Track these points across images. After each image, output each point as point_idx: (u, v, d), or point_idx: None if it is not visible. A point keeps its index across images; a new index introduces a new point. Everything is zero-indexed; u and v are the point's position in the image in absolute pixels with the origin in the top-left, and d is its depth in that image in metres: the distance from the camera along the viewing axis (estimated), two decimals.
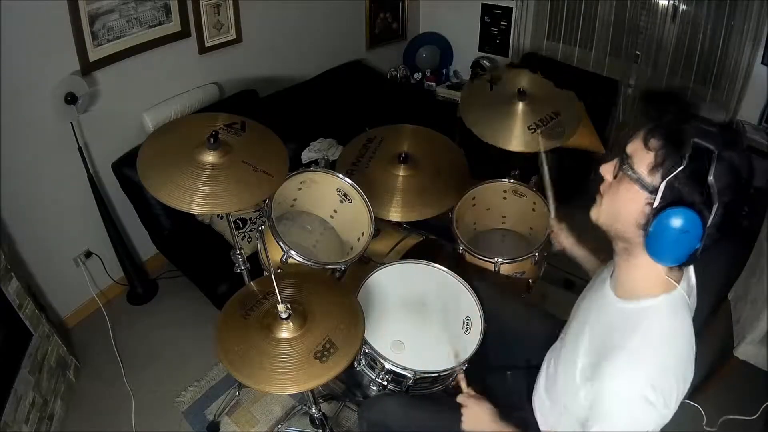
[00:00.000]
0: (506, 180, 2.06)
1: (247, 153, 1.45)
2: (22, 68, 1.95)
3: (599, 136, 2.89)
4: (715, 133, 0.85)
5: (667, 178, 0.85)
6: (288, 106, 2.83)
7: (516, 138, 1.92)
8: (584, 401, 0.99)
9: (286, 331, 1.24)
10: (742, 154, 0.85)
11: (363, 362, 1.49)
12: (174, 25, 2.39)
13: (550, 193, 1.65)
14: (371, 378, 1.47)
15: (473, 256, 1.88)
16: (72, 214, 2.35)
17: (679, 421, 0.98)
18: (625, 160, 0.92)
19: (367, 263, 1.85)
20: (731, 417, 1.89)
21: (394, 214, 1.82)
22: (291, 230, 1.84)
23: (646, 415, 0.89)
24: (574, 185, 2.60)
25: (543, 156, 1.72)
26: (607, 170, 0.98)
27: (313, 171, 1.82)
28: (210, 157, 1.40)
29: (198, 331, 2.37)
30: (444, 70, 3.83)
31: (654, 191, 0.87)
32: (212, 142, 1.39)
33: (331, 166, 1.90)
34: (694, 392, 2.01)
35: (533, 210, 2.04)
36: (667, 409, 0.90)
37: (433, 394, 1.48)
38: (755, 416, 1.88)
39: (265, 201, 1.62)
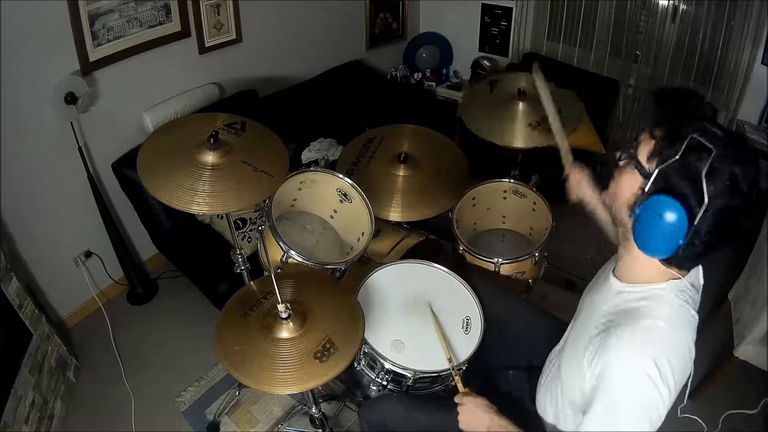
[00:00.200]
0: (506, 180, 2.06)
1: (247, 153, 1.45)
2: (22, 68, 1.95)
3: (599, 136, 2.89)
4: (718, 136, 0.86)
5: (661, 167, 0.88)
6: (288, 106, 2.83)
7: (518, 135, 1.93)
8: (589, 385, 0.99)
9: (286, 331, 1.24)
10: (747, 165, 0.85)
11: (363, 362, 1.50)
12: (174, 25, 2.39)
13: (551, 108, 1.59)
14: (371, 378, 1.47)
15: (473, 256, 1.88)
16: (72, 214, 2.35)
17: (682, 426, 0.99)
18: (632, 146, 0.97)
19: (367, 263, 1.85)
20: (733, 411, 1.89)
21: (394, 214, 1.82)
22: (291, 230, 1.84)
23: (647, 393, 0.90)
24: (565, 179, 2.60)
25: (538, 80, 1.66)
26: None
27: (313, 171, 1.82)
28: (210, 157, 1.39)
29: (198, 331, 2.37)
30: (444, 70, 3.83)
31: (648, 177, 0.90)
32: (212, 142, 1.39)
33: (331, 166, 1.90)
34: (694, 392, 2.01)
35: (533, 210, 2.04)
36: (667, 389, 0.90)
37: (432, 394, 1.48)
38: (755, 411, 1.88)
39: (265, 201, 1.62)
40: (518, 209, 2.10)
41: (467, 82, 3.69)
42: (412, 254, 1.89)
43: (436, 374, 1.40)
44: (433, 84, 3.71)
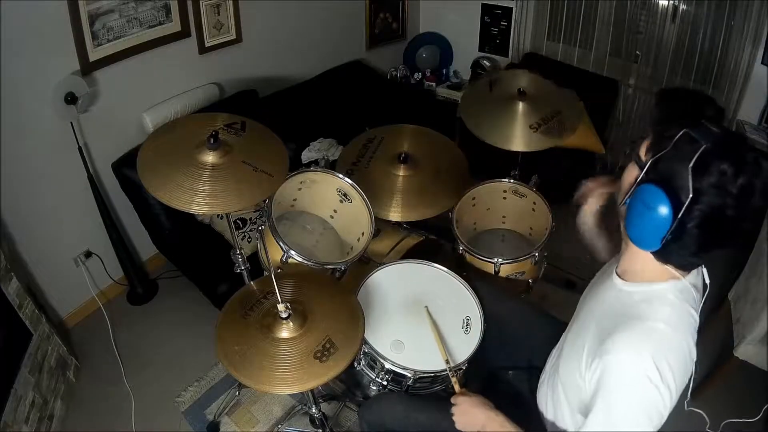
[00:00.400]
0: (506, 180, 2.06)
1: (247, 153, 1.45)
2: (22, 68, 1.95)
3: (599, 136, 2.89)
4: (713, 132, 0.86)
5: (653, 158, 0.90)
6: (288, 106, 2.83)
7: (517, 138, 1.93)
8: (589, 385, 0.99)
9: (286, 331, 1.24)
10: (740, 165, 0.84)
11: (363, 362, 1.50)
12: (174, 25, 2.39)
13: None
14: (371, 378, 1.47)
15: (473, 256, 1.88)
16: (72, 214, 2.35)
17: (682, 425, 0.99)
18: (636, 145, 0.99)
19: (367, 263, 1.85)
20: (734, 420, 1.89)
21: (394, 214, 1.82)
22: (291, 230, 1.84)
23: (647, 394, 0.90)
24: (575, 185, 2.60)
25: None
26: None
27: (313, 171, 1.82)
28: (210, 157, 1.39)
29: (198, 331, 2.37)
30: (444, 70, 3.83)
31: (642, 167, 0.93)
32: (212, 142, 1.39)
33: (331, 166, 1.90)
34: (694, 392, 2.01)
35: (533, 210, 2.04)
36: (667, 391, 0.90)
37: (433, 394, 1.48)
38: (757, 418, 1.87)
39: (265, 201, 1.62)
40: (518, 209, 2.10)
41: (467, 82, 3.69)
42: (412, 254, 1.89)
43: (436, 374, 1.40)
44: (433, 84, 3.71)
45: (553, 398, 1.18)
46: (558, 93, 2.06)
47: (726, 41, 2.73)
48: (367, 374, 1.49)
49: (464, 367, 1.43)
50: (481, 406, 1.19)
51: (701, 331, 1.00)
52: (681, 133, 0.88)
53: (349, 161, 1.93)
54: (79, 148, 2.18)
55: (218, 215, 2.27)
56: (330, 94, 3.08)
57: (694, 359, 0.97)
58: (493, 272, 1.86)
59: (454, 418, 1.22)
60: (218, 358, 1.24)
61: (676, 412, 0.96)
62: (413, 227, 2.07)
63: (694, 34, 2.82)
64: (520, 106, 1.96)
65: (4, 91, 1.92)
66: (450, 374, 1.34)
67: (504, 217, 2.17)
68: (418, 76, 3.77)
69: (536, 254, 1.86)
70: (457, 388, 1.29)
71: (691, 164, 0.84)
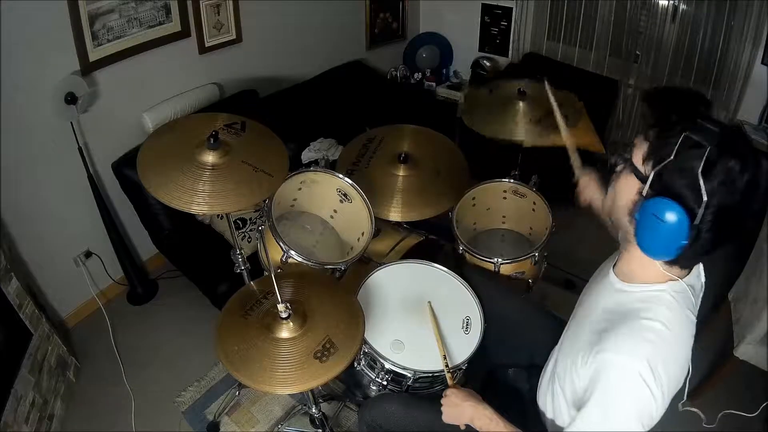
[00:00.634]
0: (506, 180, 2.06)
1: (247, 153, 1.45)
2: (23, 68, 1.95)
3: (599, 136, 2.89)
4: (713, 132, 0.84)
5: (656, 168, 0.87)
6: (288, 106, 2.83)
7: (519, 129, 1.93)
8: (582, 382, 0.99)
9: (286, 331, 1.24)
10: (743, 159, 0.83)
11: (363, 362, 1.50)
12: (174, 25, 2.39)
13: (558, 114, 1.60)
14: (371, 378, 1.47)
15: (473, 256, 1.88)
16: (72, 214, 2.35)
17: (681, 423, 0.99)
18: (627, 150, 0.95)
19: (367, 263, 1.85)
20: (731, 412, 1.89)
21: (394, 214, 1.82)
22: (291, 230, 1.84)
23: (639, 394, 0.90)
24: (574, 185, 2.60)
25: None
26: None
27: (313, 171, 1.82)
28: (210, 157, 1.39)
29: (198, 331, 2.37)
30: (444, 70, 3.83)
31: (645, 180, 0.89)
32: (212, 142, 1.39)
33: (331, 166, 1.90)
34: (693, 392, 2.01)
35: (533, 210, 2.04)
36: (660, 392, 0.90)
37: (433, 394, 1.48)
38: (755, 414, 1.87)
39: (265, 201, 1.62)
40: (518, 209, 2.10)
41: (467, 82, 3.69)
42: (412, 254, 1.89)
43: (435, 374, 1.40)
44: (433, 84, 3.71)
45: (553, 396, 1.18)
46: (557, 93, 2.06)
47: (726, 41, 2.73)
48: (367, 374, 1.49)
49: (464, 367, 1.44)
50: (469, 399, 1.20)
51: (701, 331, 1.00)
52: (682, 138, 0.85)
53: (349, 161, 1.93)
54: (79, 148, 2.18)
55: (218, 215, 2.27)
56: (330, 94, 3.08)
57: (690, 359, 0.97)
58: (492, 272, 1.86)
59: (442, 409, 1.22)
60: (218, 358, 1.24)
61: (673, 412, 0.96)
62: (413, 227, 2.07)
63: (694, 34, 2.82)
64: (521, 105, 1.97)
65: (5, 91, 1.92)
66: (445, 370, 1.34)
67: (504, 217, 2.17)
68: (418, 76, 3.76)
69: (536, 254, 1.86)
70: (450, 383, 1.30)
71: (700, 170, 0.82)
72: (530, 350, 1.44)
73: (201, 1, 2.44)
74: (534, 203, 2.03)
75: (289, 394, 2.09)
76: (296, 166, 2.42)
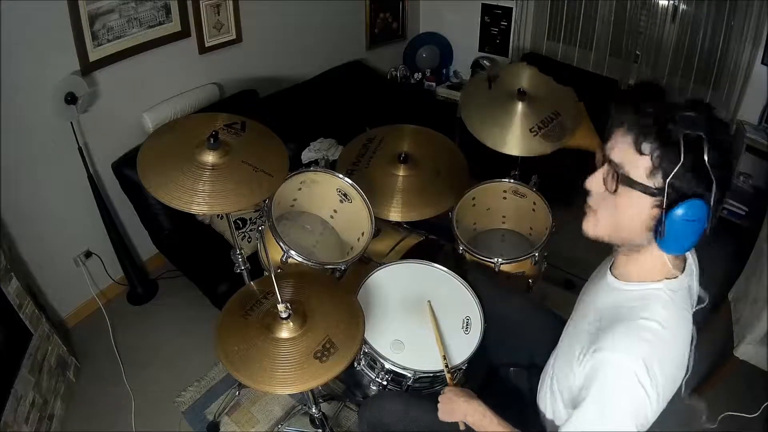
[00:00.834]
0: (506, 180, 2.06)
1: (247, 153, 1.45)
2: (23, 68, 1.95)
3: (599, 136, 2.89)
4: (700, 119, 0.85)
5: (669, 178, 0.85)
6: (288, 106, 2.83)
7: (517, 142, 1.91)
8: (578, 381, 0.99)
9: (286, 331, 1.24)
10: (723, 127, 0.88)
11: (363, 362, 1.50)
12: (174, 25, 2.39)
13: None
14: (371, 378, 1.47)
15: (473, 256, 1.88)
16: (72, 214, 2.35)
17: (679, 419, 0.98)
18: (618, 170, 0.91)
19: (367, 263, 1.85)
20: (731, 414, 1.89)
21: (394, 214, 1.82)
22: (291, 230, 1.84)
23: (635, 393, 0.89)
24: (574, 185, 2.61)
25: None
26: (595, 183, 0.97)
27: (313, 171, 1.82)
28: (210, 157, 1.39)
29: (198, 331, 2.37)
30: (444, 70, 3.84)
31: (658, 193, 0.88)
32: (212, 142, 1.39)
33: (331, 166, 1.90)
34: (693, 392, 2.01)
35: (533, 210, 2.04)
36: (655, 393, 0.89)
37: (433, 394, 1.48)
38: (756, 414, 1.87)
39: (265, 201, 1.62)
40: (518, 209, 2.10)
41: (467, 83, 3.69)
42: (412, 254, 1.89)
43: (435, 374, 1.40)
44: (433, 84, 3.71)
45: (552, 396, 1.18)
46: (557, 91, 2.05)
47: (726, 41, 2.73)
48: (367, 374, 1.49)
49: (464, 367, 1.44)
50: (464, 396, 1.20)
51: (700, 331, 1.00)
52: (682, 139, 0.83)
53: (349, 161, 1.93)
54: (79, 148, 2.18)
55: (218, 215, 2.28)
56: (330, 94, 3.08)
57: (687, 357, 0.97)
58: (492, 272, 1.86)
59: (438, 406, 1.23)
60: (218, 358, 1.24)
61: (673, 409, 0.96)
62: (413, 227, 2.07)
63: (694, 34, 2.82)
64: (520, 106, 1.94)
65: (5, 91, 1.92)
66: (444, 369, 1.34)
67: (504, 217, 2.17)
68: (418, 76, 3.77)
69: (536, 254, 1.86)
70: (449, 382, 1.30)
71: (708, 161, 0.83)
72: (530, 350, 1.44)
73: (201, 1, 2.44)
74: (534, 203, 2.03)
75: (289, 394, 2.09)
76: (296, 166, 2.42)
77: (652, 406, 0.90)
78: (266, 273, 1.73)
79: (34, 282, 2.27)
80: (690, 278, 1.02)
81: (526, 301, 1.66)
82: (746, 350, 1.89)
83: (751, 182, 2.82)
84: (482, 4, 3.52)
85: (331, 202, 1.86)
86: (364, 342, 1.40)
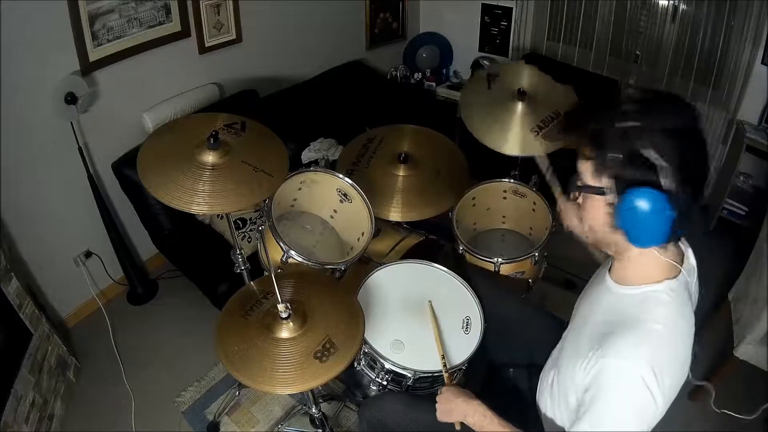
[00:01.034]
0: (506, 180, 2.06)
1: (247, 153, 1.45)
2: (22, 68, 1.95)
3: None
4: (633, 109, 0.88)
5: (612, 175, 0.90)
6: (288, 106, 2.83)
7: (516, 142, 1.91)
8: (583, 385, 0.99)
9: (286, 331, 1.24)
10: (667, 107, 0.89)
11: (363, 362, 1.50)
12: (174, 25, 2.39)
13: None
14: (371, 378, 1.47)
15: (473, 256, 1.88)
16: (72, 214, 2.35)
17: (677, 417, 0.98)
18: (577, 179, 0.98)
19: (367, 263, 1.85)
20: (731, 413, 1.89)
21: (394, 214, 1.82)
22: (291, 230, 1.84)
23: (640, 397, 0.90)
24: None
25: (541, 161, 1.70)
26: (565, 206, 1.06)
27: (313, 171, 1.82)
28: (210, 157, 1.40)
29: (198, 331, 2.37)
30: (444, 70, 3.83)
31: (607, 192, 0.91)
32: (212, 142, 1.39)
33: (331, 166, 1.90)
34: (694, 392, 2.01)
35: (533, 210, 2.05)
36: (661, 395, 0.90)
37: (433, 394, 1.48)
38: (754, 416, 1.88)
39: (265, 201, 1.62)
40: (518, 209, 2.10)
41: (467, 83, 3.69)
42: (412, 254, 1.89)
43: (436, 374, 1.40)
44: (433, 84, 3.71)
45: (553, 399, 1.18)
46: (557, 90, 2.05)
47: (726, 41, 2.73)
48: (367, 374, 1.49)
49: (464, 368, 1.43)
50: (463, 395, 1.20)
51: (701, 331, 1.00)
52: (614, 131, 0.88)
53: (349, 161, 1.93)
54: (79, 148, 2.18)
55: (218, 215, 2.28)
56: (330, 94, 3.08)
57: (690, 358, 0.97)
58: (493, 272, 1.86)
59: (437, 407, 1.22)
60: (218, 358, 1.24)
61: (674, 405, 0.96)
62: (413, 227, 2.07)
63: (694, 34, 2.82)
64: (520, 106, 1.94)
65: (5, 91, 1.92)
66: (443, 369, 1.34)
67: (504, 217, 2.17)
68: (418, 76, 3.77)
69: (536, 254, 1.86)
70: (447, 382, 1.30)
71: (646, 147, 0.85)
72: (530, 350, 1.44)
73: (201, 1, 2.44)
74: (534, 203, 2.03)
75: (289, 394, 2.09)
76: (296, 166, 2.42)
77: (657, 408, 0.91)
78: (266, 273, 1.73)
79: (34, 282, 2.27)
80: (690, 275, 1.02)
81: (525, 302, 1.67)
82: (746, 350, 1.89)
83: (751, 182, 2.82)
84: (482, 4, 3.52)
85: (331, 202, 1.86)
86: (364, 342, 1.40)
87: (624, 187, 0.88)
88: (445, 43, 3.78)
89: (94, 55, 2.14)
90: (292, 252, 1.60)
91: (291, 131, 2.27)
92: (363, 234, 1.76)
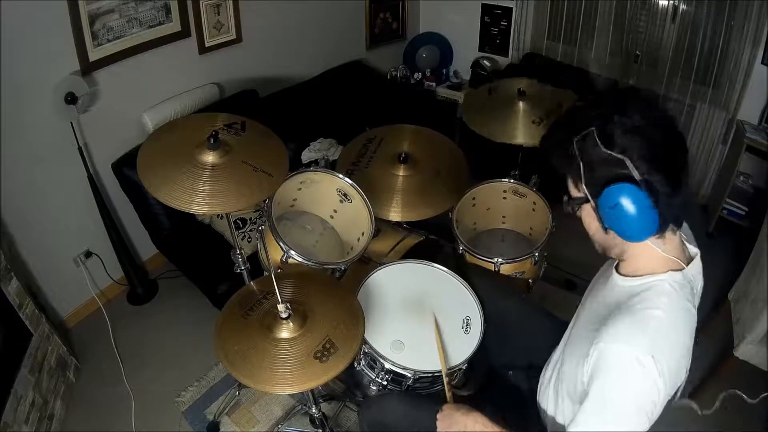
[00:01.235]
0: (506, 180, 2.06)
1: (247, 153, 1.45)
2: (22, 68, 1.95)
3: None
4: (587, 112, 0.94)
5: (584, 181, 0.94)
6: (288, 106, 2.83)
7: (519, 131, 1.94)
8: (586, 375, 0.99)
9: (286, 331, 1.24)
10: (625, 104, 0.93)
11: (363, 362, 1.49)
12: (174, 25, 2.39)
13: None
14: (371, 378, 1.47)
15: (473, 256, 1.88)
16: (72, 214, 2.35)
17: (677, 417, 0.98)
18: (564, 196, 1.04)
19: (367, 263, 1.85)
20: (733, 392, 1.87)
21: (394, 214, 1.82)
22: (291, 230, 1.84)
23: (640, 381, 0.90)
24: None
25: None
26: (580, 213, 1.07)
27: (313, 171, 1.81)
28: (210, 157, 1.39)
29: (198, 331, 2.37)
30: (444, 70, 3.83)
31: (589, 199, 0.96)
32: (212, 142, 1.39)
33: (331, 166, 1.90)
34: (693, 392, 2.01)
35: (533, 210, 2.04)
36: (662, 379, 0.90)
37: (433, 394, 1.48)
38: (757, 400, 1.85)
39: (265, 201, 1.62)
40: (518, 209, 2.10)
41: (467, 82, 3.69)
42: (412, 254, 1.89)
43: (436, 374, 1.40)
44: (433, 84, 3.71)
45: (556, 395, 1.18)
46: (557, 91, 2.06)
47: (726, 41, 2.73)
48: (367, 374, 1.49)
49: (464, 368, 1.43)
50: (462, 408, 1.20)
51: (701, 331, 1.00)
52: (576, 142, 0.92)
53: (349, 161, 1.93)
54: (79, 148, 2.18)
55: (218, 215, 2.28)
56: (330, 94, 3.08)
57: (691, 349, 0.97)
58: (493, 272, 1.86)
59: (437, 424, 1.22)
60: (218, 358, 1.23)
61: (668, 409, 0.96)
62: (413, 227, 2.07)
63: (694, 34, 2.82)
64: (521, 104, 1.97)
65: (4, 91, 1.92)
66: (445, 385, 1.34)
67: (504, 217, 2.17)
68: (418, 76, 3.77)
69: (536, 254, 1.86)
70: (449, 398, 1.30)
71: (607, 148, 0.89)
72: (530, 350, 1.44)
73: (201, 1, 2.44)
74: (534, 203, 2.03)
75: (289, 394, 2.09)
76: (296, 166, 2.42)
77: (659, 392, 0.90)
78: (266, 273, 1.73)
79: (34, 282, 2.27)
80: (696, 273, 1.02)
81: (525, 302, 1.66)
82: (746, 350, 1.89)
83: (751, 182, 2.82)
84: (482, 4, 3.52)
85: (331, 202, 1.86)
86: (364, 342, 1.40)
87: (600, 189, 0.92)
88: (445, 43, 3.79)
89: (94, 55, 2.14)
90: (292, 252, 1.60)
91: (291, 131, 2.27)
92: (363, 234, 1.76)
